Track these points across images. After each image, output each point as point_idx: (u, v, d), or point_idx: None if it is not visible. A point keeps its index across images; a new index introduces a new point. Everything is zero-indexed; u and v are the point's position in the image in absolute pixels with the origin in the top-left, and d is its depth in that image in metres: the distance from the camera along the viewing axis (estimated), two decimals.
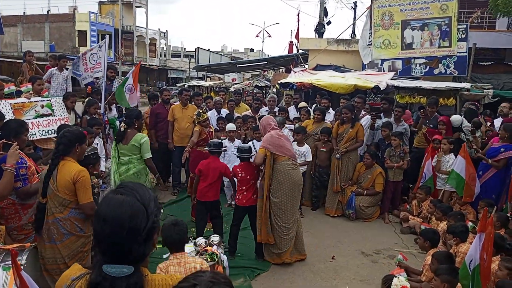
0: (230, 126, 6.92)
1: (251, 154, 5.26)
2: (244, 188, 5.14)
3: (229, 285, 1.27)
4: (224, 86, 18.80)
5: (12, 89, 6.33)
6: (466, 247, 4.37)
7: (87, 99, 7.16)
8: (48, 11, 39.65)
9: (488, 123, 7.03)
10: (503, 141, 5.96)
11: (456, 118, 6.92)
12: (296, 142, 6.73)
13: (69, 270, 1.55)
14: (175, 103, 8.10)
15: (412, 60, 11.57)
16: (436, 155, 6.62)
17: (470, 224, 5.23)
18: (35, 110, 5.96)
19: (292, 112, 8.47)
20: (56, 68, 8.07)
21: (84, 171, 3.33)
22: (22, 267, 3.04)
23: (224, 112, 8.39)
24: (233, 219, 5.27)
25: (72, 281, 1.45)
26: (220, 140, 5.60)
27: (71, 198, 3.29)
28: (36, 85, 6.47)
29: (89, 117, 6.52)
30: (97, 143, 5.78)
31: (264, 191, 5.01)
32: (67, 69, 8.32)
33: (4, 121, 4.18)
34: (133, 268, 1.34)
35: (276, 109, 8.47)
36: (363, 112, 7.64)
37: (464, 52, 11.26)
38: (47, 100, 6.17)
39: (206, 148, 5.57)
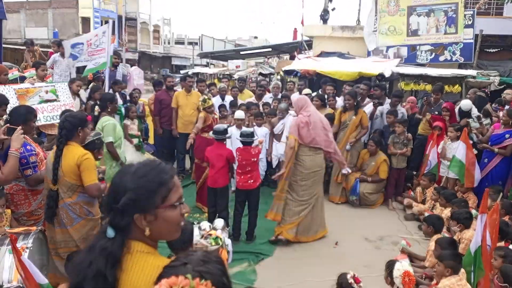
0: (239, 114, 6.78)
1: (254, 139, 5.34)
2: (240, 171, 5.25)
3: (220, 263, 1.26)
4: (228, 73, 18.72)
5: (16, 74, 6.33)
6: (470, 233, 4.37)
7: (91, 85, 7.16)
8: None
9: (501, 113, 6.93)
10: (506, 127, 5.91)
11: (466, 102, 6.85)
12: None
13: None
14: (178, 90, 8.09)
15: (418, 47, 11.46)
16: (442, 142, 6.59)
17: (474, 211, 5.22)
18: (39, 96, 5.95)
19: None
20: (58, 54, 8.05)
21: (87, 154, 3.37)
22: (28, 250, 3.10)
23: (228, 99, 8.37)
24: (234, 204, 5.39)
25: None
26: (225, 126, 5.59)
27: (78, 182, 3.34)
28: (40, 71, 6.47)
29: (93, 103, 6.52)
30: None
31: (286, 173, 5.22)
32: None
33: (14, 107, 4.19)
34: (115, 234, 1.36)
35: (280, 96, 8.44)
36: (367, 100, 7.60)
37: (470, 39, 11.14)
38: (52, 86, 6.16)
39: (212, 134, 5.55)
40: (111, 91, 7.25)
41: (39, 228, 3.39)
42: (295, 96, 6.22)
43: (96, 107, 5.46)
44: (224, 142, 5.40)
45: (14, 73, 6.37)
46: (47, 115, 5.88)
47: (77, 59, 7.62)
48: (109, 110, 5.28)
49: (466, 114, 6.76)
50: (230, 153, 5.26)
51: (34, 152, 3.59)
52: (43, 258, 3.48)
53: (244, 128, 5.88)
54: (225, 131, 5.34)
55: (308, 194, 5.27)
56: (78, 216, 3.40)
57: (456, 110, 6.93)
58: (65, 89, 6.29)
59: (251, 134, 5.33)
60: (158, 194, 1.38)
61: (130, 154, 6.92)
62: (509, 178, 5.90)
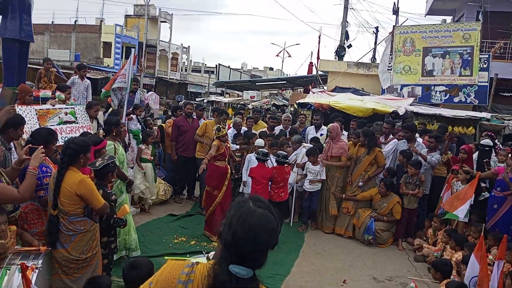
0: (259, 142, 7.39)
1: (287, 160, 6.59)
2: (275, 186, 6.42)
3: None
4: (242, 103, 18.97)
5: (48, 94, 6.61)
6: None
7: (110, 109, 7.31)
8: (75, 21, 40.77)
9: (510, 154, 6.90)
10: None
11: (487, 140, 6.88)
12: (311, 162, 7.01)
13: (164, 276, 1.55)
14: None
15: (432, 87, 11.55)
16: (452, 181, 6.55)
17: (490, 257, 5.11)
18: (59, 117, 6.11)
19: (312, 132, 8.47)
20: (77, 76, 8.28)
21: (85, 180, 3.41)
22: (37, 271, 3.11)
23: (244, 130, 8.48)
24: None
25: (185, 277, 1.50)
26: (266, 151, 6.65)
27: (67, 208, 3.38)
28: (66, 94, 6.72)
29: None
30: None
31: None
32: (88, 78, 8.55)
33: (36, 128, 4.30)
34: (253, 272, 1.46)
35: (289, 130, 8.55)
36: (390, 136, 7.68)
37: (485, 82, 11.21)
38: (71, 108, 6.32)
39: (256, 156, 6.58)
40: (134, 116, 7.38)
41: (49, 248, 3.42)
42: (333, 125, 7.26)
43: (101, 131, 5.49)
44: (264, 163, 6.50)
45: (46, 93, 6.66)
46: (65, 136, 6.00)
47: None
48: (114, 134, 5.31)
49: (487, 153, 6.72)
50: (271, 172, 6.44)
51: (49, 174, 3.64)
52: (51, 278, 3.50)
53: (279, 151, 6.77)
54: (267, 154, 6.52)
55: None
56: (73, 233, 3.44)
57: (475, 156, 6.91)
58: (83, 112, 6.45)
59: (285, 156, 6.58)
60: None
61: (139, 179, 7.01)
62: None
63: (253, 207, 1.49)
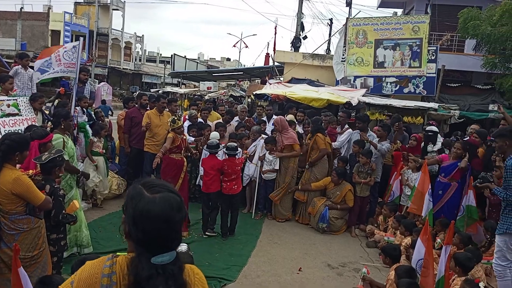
0: (215, 135, 7.21)
1: (237, 152, 6.42)
2: (227, 179, 6.18)
3: None
4: (199, 94, 18.76)
5: None
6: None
7: (57, 101, 6.99)
8: (21, 8, 38.66)
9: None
10: (456, 159, 6.14)
11: (431, 128, 7.26)
12: (268, 151, 7.19)
13: (87, 272, 1.48)
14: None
15: (383, 78, 11.90)
16: (402, 170, 6.80)
17: (438, 241, 5.35)
18: (1, 110, 5.78)
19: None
20: (20, 66, 7.84)
21: (19, 178, 3.27)
22: None
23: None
24: (220, 206, 6.28)
25: (108, 269, 1.46)
26: (217, 141, 6.45)
27: (7, 208, 3.26)
28: (7, 84, 6.31)
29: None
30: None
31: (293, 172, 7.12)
32: (31, 67, 8.11)
33: None
34: (175, 252, 1.44)
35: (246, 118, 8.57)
36: (346, 126, 7.91)
37: (433, 73, 11.67)
38: (14, 100, 5.99)
39: (206, 149, 6.45)
40: (78, 108, 7.09)
41: None
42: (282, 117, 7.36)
43: (49, 123, 5.24)
44: (216, 155, 6.34)
45: None
46: (9, 130, 5.70)
47: (46, 72, 7.27)
48: (62, 127, 5.08)
49: (432, 137, 7.07)
50: (220, 163, 6.22)
51: None
52: None
53: (229, 143, 6.59)
54: (217, 146, 6.34)
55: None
56: (17, 232, 3.33)
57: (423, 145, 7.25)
58: (27, 103, 6.12)
59: (236, 148, 6.37)
60: None
61: (91, 172, 6.77)
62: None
63: (151, 196, 1.43)
